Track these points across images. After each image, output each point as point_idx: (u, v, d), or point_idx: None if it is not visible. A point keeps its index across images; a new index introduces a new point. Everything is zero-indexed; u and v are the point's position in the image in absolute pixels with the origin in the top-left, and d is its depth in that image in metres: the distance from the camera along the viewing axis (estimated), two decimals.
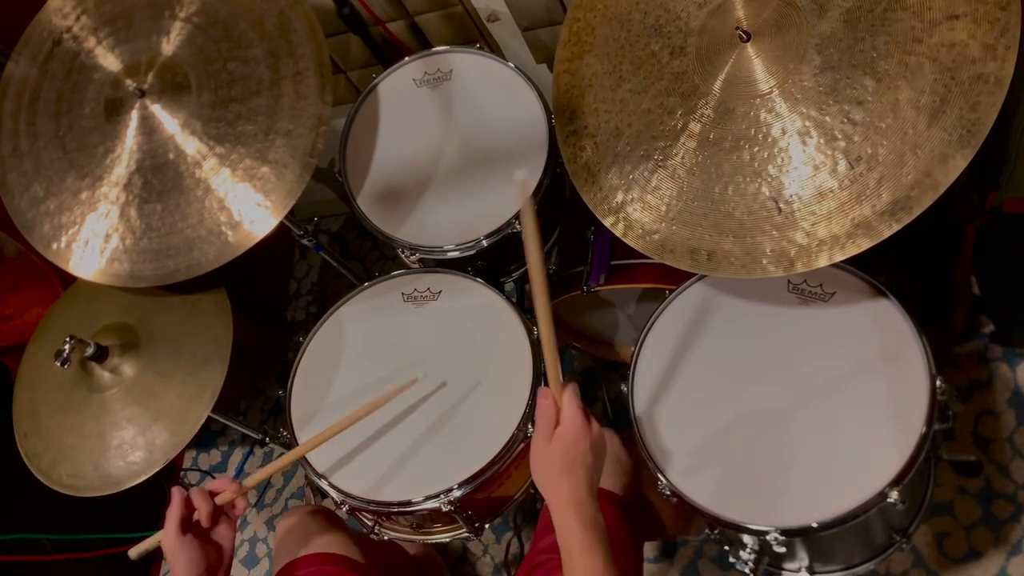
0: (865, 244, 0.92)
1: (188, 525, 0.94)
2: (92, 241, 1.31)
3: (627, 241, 1.08)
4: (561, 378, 0.91)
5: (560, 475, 0.86)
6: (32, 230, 1.34)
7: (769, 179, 0.98)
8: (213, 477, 2.06)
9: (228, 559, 0.97)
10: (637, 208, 1.08)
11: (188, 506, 0.94)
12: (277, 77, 1.26)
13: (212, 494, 0.98)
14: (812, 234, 0.95)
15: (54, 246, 1.33)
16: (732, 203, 1.00)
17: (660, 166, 1.06)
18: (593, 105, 1.13)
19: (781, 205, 0.96)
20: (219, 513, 0.98)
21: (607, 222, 1.10)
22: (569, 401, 0.89)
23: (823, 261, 0.94)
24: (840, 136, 0.94)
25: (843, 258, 0.94)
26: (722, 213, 1.01)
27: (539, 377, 1.22)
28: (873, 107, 0.93)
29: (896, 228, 0.90)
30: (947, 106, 0.89)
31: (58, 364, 1.30)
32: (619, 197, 1.09)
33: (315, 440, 1.12)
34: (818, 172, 0.95)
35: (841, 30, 0.96)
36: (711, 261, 1.02)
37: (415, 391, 1.24)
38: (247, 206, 1.24)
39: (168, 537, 0.92)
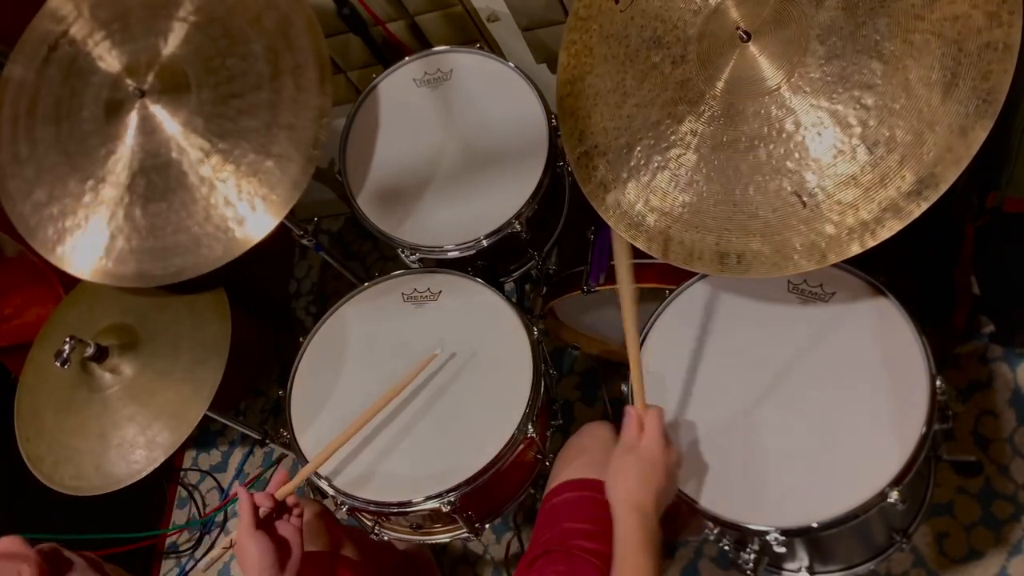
0: (896, 227, 0.91)
1: (258, 522, 0.98)
2: (97, 243, 1.30)
3: (653, 254, 1.07)
4: (645, 400, 1.02)
5: (633, 485, 0.94)
6: (36, 235, 1.33)
7: (789, 174, 0.98)
8: (213, 477, 2.06)
9: (296, 557, 1.01)
10: (659, 220, 1.07)
11: (255, 505, 1.00)
12: (277, 71, 1.26)
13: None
14: (841, 223, 0.94)
15: (59, 250, 1.32)
16: (755, 203, 0.99)
17: (677, 175, 1.05)
18: (601, 124, 1.13)
19: (805, 198, 0.96)
20: (283, 512, 1.03)
21: (628, 237, 1.09)
22: (653, 422, 0.98)
23: (856, 249, 0.93)
24: (855, 122, 0.94)
25: (875, 243, 0.92)
26: (746, 214, 1.00)
27: (539, 377, 1.22)
28: (884, 89, 0.92)
29: (925, 207, 0.89)
30: (959, 79, 0.88)
31: (58, 364, 1.30)
32: (639, 211, 1.08)
33: (348, 432, 1.14)
34: (838, 161, 0.95)
35: (841, 18, 0.96)
36: (741, 263, 1.01)
37: (414, 392, 1.24)
38: (252, 200, 1.24)
39: (242, 533, 0.97)
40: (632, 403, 1.04)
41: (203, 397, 1.35)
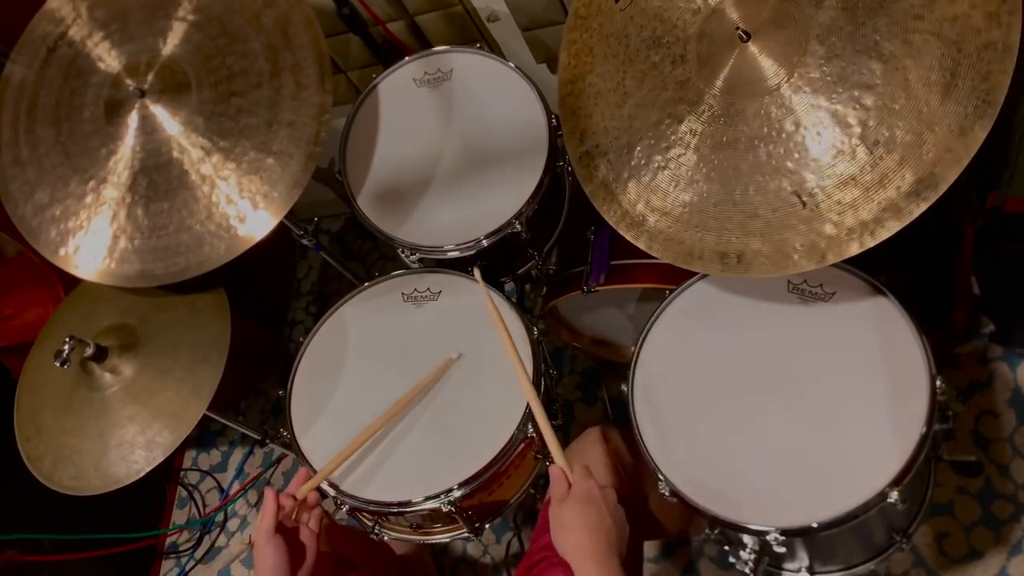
0: (895, 227, 0.91)
1: (278, 526, 0.99)
2: (100, 244, 1.30)
3: (654, 253, 1.07)
4: (563, 459, 1.00)
5: (580, 533, 0.91)
6: (38, 237, 1.33)
7: (789, 174, 0.98)
8: (213, 477, 2.06)
9: (309, 563, 1.02)
10: (660, 219, 1.07)
11: (278, 507, 1.00)
12: (277, 69, 1.27)
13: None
14: (840, 223, 0.95)
15: (62, 252, 1.32)
16: (755, 203, 1.00)
17: (677, 175, 1.06)
18: (602, 124, 1.13)
19: (804, 199, 0.96)
20: (303, 513, 1.05)
21: (630, 237, 1.09)
22: (580, 472, 0.98)
23: (855, 249, 0.93)
24: (855, 122, 0.94)
25: (875, 243, 0.93)
26: (746, 214, 1.00)
27: (539, 377, 1.22)
28: (884, 90, 0.92)
29: (924, 207, 0.89)
30: (958, 79, 0.89)
31: (58, 364, 1.30)
32: (640, 211, 1.08)
33: (357, 442, 1.18)
34: (837, 161, 0.95)
35: (840, 18, 0.96)
36: (741, 263, 1.01)
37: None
38: (254, 198, 1.24)
39: (260, 535, 0.97)
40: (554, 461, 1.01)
41: (203, 397, 1.35)
